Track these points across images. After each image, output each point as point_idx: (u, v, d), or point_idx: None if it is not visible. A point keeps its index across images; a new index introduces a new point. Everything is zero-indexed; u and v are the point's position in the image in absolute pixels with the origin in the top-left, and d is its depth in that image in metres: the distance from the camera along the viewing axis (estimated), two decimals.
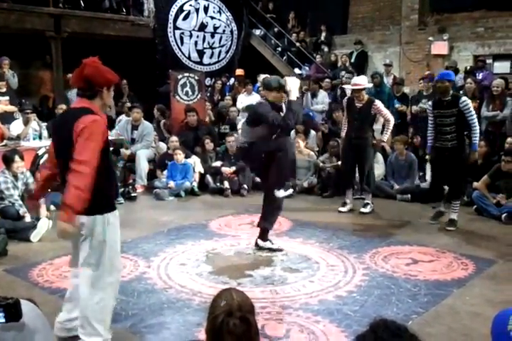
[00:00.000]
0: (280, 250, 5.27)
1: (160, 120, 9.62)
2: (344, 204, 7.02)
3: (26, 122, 8.06)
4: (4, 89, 8.59)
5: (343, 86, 9.24)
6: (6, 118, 8.23)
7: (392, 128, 6.80)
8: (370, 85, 7.17)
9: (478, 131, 5.84)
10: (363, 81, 6.74)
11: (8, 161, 5.98)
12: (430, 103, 6.13)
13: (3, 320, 1.57)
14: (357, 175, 7.11)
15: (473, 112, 5.86)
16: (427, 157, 6.77)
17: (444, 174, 6.08)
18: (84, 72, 2.98)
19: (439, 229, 6.03)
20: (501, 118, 7.96)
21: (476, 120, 5.84)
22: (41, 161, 7.37)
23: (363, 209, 6.84)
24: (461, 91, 8.59)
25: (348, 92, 9.25)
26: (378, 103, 6.68)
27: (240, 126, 9.40)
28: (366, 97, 6.70)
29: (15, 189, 5.97)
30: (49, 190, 3.71)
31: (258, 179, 8.10)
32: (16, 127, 8.04)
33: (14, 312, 1.59)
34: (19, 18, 10.02)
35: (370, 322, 1.77)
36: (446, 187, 6.41)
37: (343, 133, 6.95)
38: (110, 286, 3.10)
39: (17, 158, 6.00)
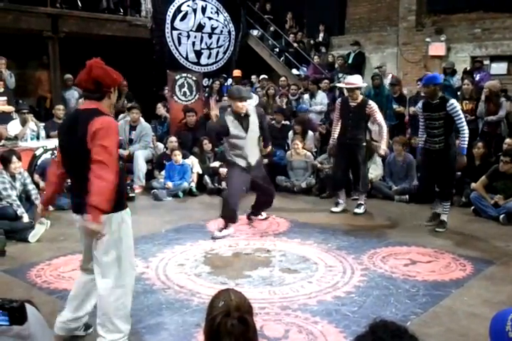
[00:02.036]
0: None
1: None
2: (337, 204, 7.04)
3: (23, 122, 8.05)
4: (2, 90, 8.58)
5: (337, 84, 9.26)
6: (4, 118, 8.22)
7: (389, 129, 6.82)
8: (365, 85, 7.16)
9: (467, 134, 5.75)
10: (357, 80, 6.72)
11: (5, 162, 5.97)
12: (420, 105, 6.14)
13: (7, 323, 1.57)
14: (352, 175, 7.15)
15: (462, 115, 5.81)
16: (393, 154, 6.85)
17: (433, 175, 6.09)
18: (92, 73, 3.01)
19: (434, 231, 6.02)
20: (497, 119, 7.99)
21: (464, 123, 5.76)
22: (39, 161, 7.37)
23: (356, 210, 6.83)
24: (458, 93, 8.64)
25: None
26: (373, 104, 6.66)
27: None
28: (361, 97, 6.69)
29: (12, 189, 5.96)
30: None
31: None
32: (13, 127, 8.03)
33: (19, 316, 1.58)
34: (16, 18, 10.01)
35: (368, 322, 1.77)
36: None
37: (334, 134, 6.94)
38: (129, 283, 3.20)
39: (14, 158, 5.98)
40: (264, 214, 6.61)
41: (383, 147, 6.82)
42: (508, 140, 7.26)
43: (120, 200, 3.10)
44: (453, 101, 5.82)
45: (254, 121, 5.81)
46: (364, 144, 6.75)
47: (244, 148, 5.78)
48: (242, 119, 5.75)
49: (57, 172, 3.28)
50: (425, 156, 6.14)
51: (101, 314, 3.11)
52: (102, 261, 3.08)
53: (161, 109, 9.87)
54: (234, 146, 5.81)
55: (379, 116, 6.66)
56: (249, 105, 6.02)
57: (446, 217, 6.11)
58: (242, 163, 5.83)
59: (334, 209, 6.98)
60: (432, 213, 6.32)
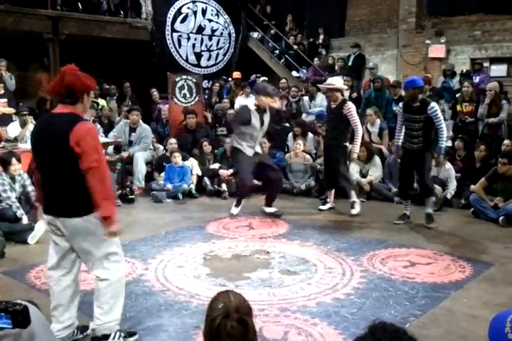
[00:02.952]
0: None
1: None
2: (325, 202, 7.19)
3: (23, 124, 8.05)
4: (2, 91, 8.59)
5: (319, 85, 9.27)
6: (4, 120, 8.22)
7: (389, 131, 6.85)
8: (345, 87, 7.22)
9: (445, 135, 6.06)
10: (336, 81, 6.82)
11: (5, 164, 5.97)
12: (401, 105, 6.26)
13: (10, 326, 1.57)
14: (354, 177, 7.19)
15: (441, 117, 6.03)
16: (393, 156, 6.88)
17: (411, 174, 6.33)
18: (64, 80, 3.10)
19: (436, 232, 6.03)
20: (498, 121, 7.99)
21: (444, 124, 6.01)
22: None
23: (352, 211, 6.82)
24: (457, 95, 8.64)
25: (347, 95, 9.29)
26: (350, 105, 6.70)
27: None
28: (340, 98, 6.75)
29: (12, 191, 5.96)
30: None
31: (255, 181, 8.12)
32: (13, 129, 8.03)
33: (22, 320, 1.58)
34: (17, 20, 10.03)
35: (367, 324, 1.77)
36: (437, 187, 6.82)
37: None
38: (121, 266, 3.36)
39: (14, 160, 5.98)
40: (273, 209, 6.86)
41: (355, 151, 6.80)
42: (506, 141, 7.28)
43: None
44: (434, 104, 6.00)
45: (267, 117, 6.51)
46: (345, 144, 6.81)
47: (256, 138, 6.46)
48: (262, 113, 6.43)
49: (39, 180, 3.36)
50: (404, 155, 6.34)
51: (97, 296, 3.29)
52: (102, 250, 3.22)
53: (154, 93, 9.93)
54: (247, 136, 6.40)
55: (355, 118, 6.65)
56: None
57: (431, 210, 6.30)
58: (250, 152, 6.43)
59: (321, 207, 7.16)
60: (402, 213, 6.50)
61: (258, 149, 6.59)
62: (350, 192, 6.91)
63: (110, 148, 8.15)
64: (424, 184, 6.28)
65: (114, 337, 3.29)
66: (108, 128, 9.07)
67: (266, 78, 11.70)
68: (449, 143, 7.49)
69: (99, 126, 8.52)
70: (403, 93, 9.85)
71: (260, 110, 6.42)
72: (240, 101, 10.33)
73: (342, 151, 6.81)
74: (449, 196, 7.15)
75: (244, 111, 6.53)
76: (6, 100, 8.54)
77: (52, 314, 3.33)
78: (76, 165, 3.05)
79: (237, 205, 6.77)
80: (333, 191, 7.18)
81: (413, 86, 5.99)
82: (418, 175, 6.30)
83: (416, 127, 6.03)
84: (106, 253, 3.24)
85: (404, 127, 6.25)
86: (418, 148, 6.09)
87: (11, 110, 8.54)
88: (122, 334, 3.33)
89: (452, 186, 7.17)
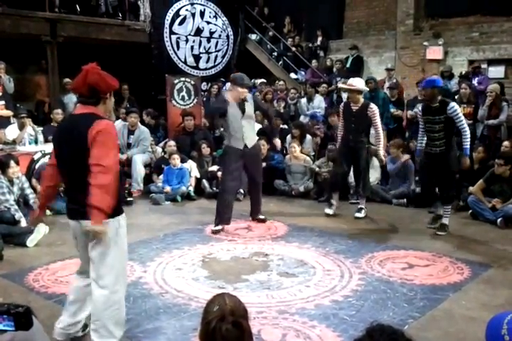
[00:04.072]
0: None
1: (151, 124, 9.60)
2: (330, 205, 7.02)
3: (21, 127, 8.06)
4: (0, 94, 8.60)
5: (339, 85, 9.28)
6: (2, 123, 8.22)
7: (386, 133, 6.83)
8: (366, 89, 7.16)
9: (468, 136, 5.80)
10: (358, 83, 6.73)
11: (3, 166, 5.97)
12: (420, 108, 6.16)
13: (13, 329, 1.57)
14: (352, 179, 7.15)
15: (463, 117, 5.84)
16: (416, 159, 6.79)
17: (434, 178, 6.12)
18: (87, 79, 3.01)
19: (435, 234, 6.03)
20: (498, 123, 8.00)
21: (466, 125, 5.81)
22: (37, 166, 7.37)
23: (357, 214, 6.84)
24: (456, 97, 8.65)
25: (345, 97, 9.30)
26: (375, 107, 6.64)
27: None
28: (362, 100, 6.69)
29: (10, 194, 5.96)
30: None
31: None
32: (11, 132, 8.04)
33: (24, 322, 1.58)
34: (15, 23, 10.02)
35: (366, 326, 1.77)
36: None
37: (338, 138, 6.96)
38: (123, 288, 3.21)
39: (12, 163, 5.99)
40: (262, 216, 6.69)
41: (381, 152, 6.76)
42: (506, 142, 7.28)
43: (117, 205, 3.09)
44: (453, 104, 5.86)
45: (250, 106, 6.25)
46: (367, 146, 6.74)
47: (241, 128, 6.13)
48: (240, 103, 6.18)
49: (52, 175, 3.26)
50: (426, 159, 6.15)
51: (95, 319, 3.11)
52: (98, 266, 3.08)
53: (144, 117, 9.74)
54: (232, 129, 6.14)
55: (378, 121, 6.64)
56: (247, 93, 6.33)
57: (448, 221, 6.12)
58: (239, 145, 6.14)
59: (327, 210, 6.95)
60: (434, 215, 6.34)
61: (249, 141, 6.19)
62: (362, 200, 6.93)
63: None
64: (447, 190, 6.08)
65: None
66: None
67: (264, 80, 11.72)
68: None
69: None
70: (415, 94, 9.98)
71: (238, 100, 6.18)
72: None
73: (366, 155, 6.73)
74: None
75: (218, 102, 6.42)
76: (3, 102, 8.54)
77: (68, 308, 3.30)
78: None
79: (218, 223, 6.24)
80: (338, 193, 7.11)
81: (433, 85, 5.85)
82: (441, 180, 6.05)
83: (436, 128, 5.85)
84: (101, 267, 3.08)
85: (425, 131, 6.07)
86: (441, 151, 5.88)
87: (9, 113, 8.54)
88: None
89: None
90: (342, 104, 7.13)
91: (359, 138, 6.64)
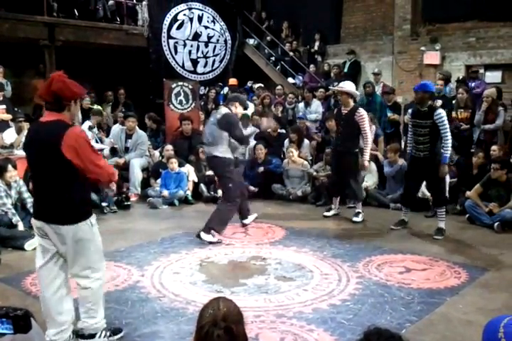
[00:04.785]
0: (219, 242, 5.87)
1: (153, 128, 9.61)
2: (329, 209, 7.13)
3: (19, 131, 8.05)
4: (1, 98, 8.61)
5: (330, 87, 9.33)
6: (1, 126, 8.21)
7: (383, 137, 6.85)
8: (357, 93, 7.17)
9: (449, 144, 5.86)
10: (348, 86, 6.78)
11: (0, 170, 5.97)
12: (410, 111, 6.28)
13: (12, 332, 1.57)
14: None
15: (447, 126, 5.91)
16: (386, 161, 6.84)
17: (417, 183, 6.30)
18: (51, 86, 3.12)
19: (432, 238, 6.04)
20: (494, 128, 8.02)
21: (449, 133, 5.86)
22: None
23: (354, 218, 6.86)
24: (453, 101, 8.68)
25: None
26: (363, 111, 6.66)
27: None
28: (352, 104, 6.72)
29: (8, 198, 5.96)
30: None
31: (252, 187, 8.15)
32: (9, 135, 8.03)
33: (23, 325, 1.58)
34: (13, 27, 10.02)
35: (364, 330, 1.78)
36: (419, 195, 6.89)
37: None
38: (103, 273, 3.47)
39: (10, 167, 5.99)
40: (248, 220, 6.65)
41: (366, 159, 6.68)
42: (494, 147, 7.33)
43: (88, 208, 3.35)
44: (441, 110, 5.97)
45: None
46: (356, 151, 6.74)
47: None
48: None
49: None
50: (411, 163, 6.30)
51: (84, 303, 3.37)
52: (80, 261, 3.28)
53: (147, 121, 9.73)
54: (231, 144, 6.05)
55: (366, 125, 6.61)
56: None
57: (444, 224, 6.15)
58: (232, 155, 6.14)
59: (326, 213, 7.10)
60: (400, 219, 6.49)
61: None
62: (358, 204, 6.96)
63: (106, 150, 8.16)
64: (437, 194, 6.20)
65: (100, 336, 3.45)
66: (106, 135, 9.04)
67: (261, 85, 11.74)
68: None
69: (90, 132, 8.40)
70: (398, 99, 10.03)
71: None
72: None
73: (354, 159, 6.72)
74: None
75: (239, 122, 6.22)
76: (4, 106, 8.56)
77: (47, 319, 3.34)
78: (69, 172, 3.11)
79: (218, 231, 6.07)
80: (338, 198, 7.17)
81: (424, 89, 5.96)
82: (430, 184, 6.24)
83: (422, 132, 5.95)
84: (90, 263, 3.32)
85: (412, 135, 6.16)
86: (425, 156, 5.99)
87: (8, 116, 8.54)
88: (108, 333, 3.47)
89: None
90: (336, 109, 7.22)
91: (347, 142, 6.68)
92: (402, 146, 8.40)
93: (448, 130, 5.88)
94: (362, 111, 6.66)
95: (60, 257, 3.32)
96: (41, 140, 3.12)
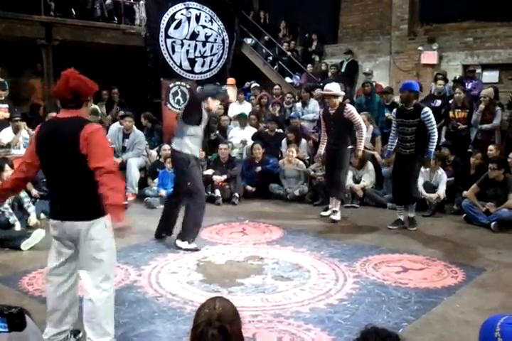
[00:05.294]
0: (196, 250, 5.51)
1: (148, 127, 9.60)
2: (326, 209, 7.13)
3: (16, 130, 8.03)
4: (3, 97, 8.61)
5: (317, 91, 9.33)
6: (0, 125, 8.20)
7: (381, 136, 6.87)
8: (342, 93, 7.19)
9: (435, 141, 6.10)
10: (334, 88, 6.83)
11: None
12: (395, 111, 6.40)
13: (6, 330, 1.57)
14: (348, 182, 7.17)
15: (434, 123, 6.11)
16: (383, 161, 6.84)
17: (403, 179, 6.36)
18: (69, 83, 3.09)
19: (429, 238, 6.05)
20: (491, 127, 8.03)
21: (435, 131, 6.07)
22: None
23: (332, 216, 6.84)
24: (450, 101, 8.69)
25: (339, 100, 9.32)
26: (350, 107, 6.76)
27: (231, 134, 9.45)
28: (338, 103, 6.76)
29: None
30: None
31: (249, 187, 8.16)
32: (6, 135, 8.01)
33: (18, 323, 1.58)
34: (10, 26, 10.02)
35: (361, 330, 1.78)
36: (427, 195, 6.99)
37: (322, 143, 7.03)
38: (113, 285, 3.27)
39: (7, 166, 5.98)
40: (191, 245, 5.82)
41: (360, 148, 6.73)
42: (490, 146, 7.34)
43: (102, 207, 3.16)
44: (427, 109, 6.13)
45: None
46: (349, 148, 6.76)
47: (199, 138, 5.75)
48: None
49: (25, 171, 3.28)
50: (397, 161, 6.41)
51: (90, 318, 3.15)
52: (90, 264, 3.15)
53: (142, 120, 9.69)
54: (196, 136, 5.63)
55: (357, 118, 6.68)
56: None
57: (414, 214, 6.46)
58: (197, 153, 5.74)
59: (323, 213, 7.10)
60: (396, 219, 6.53)
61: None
62: (337, 202, 6.90)
63: None
64: (408, 190, 6.34)
65: None
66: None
67: (257, 85, 11.74)
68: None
69: None
70: (396, 99, 10.04)
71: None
72: (234, 107, 10.37)
73: (345, 156, 6.75)
74: (441, 196, 7.14)
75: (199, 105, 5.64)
76: (7, 105, 8.56)
77: (50, 319, 3.29)
78: (85, 169, 3.03)
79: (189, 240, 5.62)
80: (334, 198, 7.15)
81: (409, 88, 6.11)
82: (407, 180, 6.34)
83: (409, 131, 6.13)
84: (100, 270, 3.17)
85: (397, 133, 6.31)
86: (410, 153, 6.18)
87: (5, 115, 8.51)
88: None
89: (441, 190, 7.13)
90: (321, 110, 7.27)
91: (339, 139, 6.73)
92: None
93: (435, 127, 6.10)
94: (348, 106, 6.79)
95: (74, 261, 3.25)
96: (59, 136, 3.06)
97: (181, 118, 5.71)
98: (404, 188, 6.37)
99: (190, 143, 5.56)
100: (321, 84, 11.15)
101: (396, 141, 6.37)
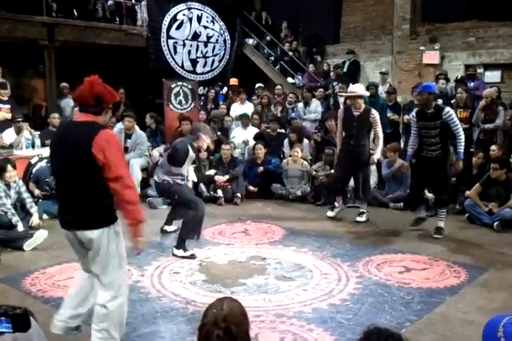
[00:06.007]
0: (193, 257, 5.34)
1: (152, 128, 9.61)
2: (332, 208, 7.08)
3: (18, 131, 8.05)
4: (6, 98, 8.62)
5: (341, 93, 9.30)
6: (3, 126, 8.21)
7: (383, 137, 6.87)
8: (367, 94, 7.17)
9: (463, 140, 5.91)
10: (359, 89, 6.80)
11: (0, 170, 5.96)
12: (414, 113, 6.20)
13: (11, 331, 1.57)
14: (351, 183, 7.15)
15: (458, 122, 5.96)
16: (405, 164, 6.79)
17: (425, 182, 6.23)
18: (94, 89, 3.08)
19: (431, 238, 6.05)
20: (494, 127, 8.02)
21: (461, 129, 5.92)
22: (34, 170, 7.36)
23: (358, 218, 6.85)
24: (452, 101, 8.68)
25: (341, 101, 9.32)
26: (376, 113, 6.73)
27: (232, 134, 9.45)
28: (363, 106, 6.73)
29: (7, 198, 5.95)
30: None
31: (251, 187, 8.16)
32: (8, 136, 8.02)
33: (22, 323, 1.58)
34: (12, 27, 10.03)
35: (363, 330, 1.78)
36: (429, 195, 6.85)
37: (338, 144, 6.97)
38: (126, 291, 3.28)
39: (9, 167, 5.99)
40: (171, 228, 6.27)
41: (377, 155, 6.83)
42: (493, 147, 7.33)
43: (112, 213, 3.18)
44: (448, 109, 5.96)
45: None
46: (368, 150, 6.78)
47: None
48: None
49: None
50: (420, 163, 6.23)
51: (98, 322, 3.14)
52: (102, 272, 3.15)
53: (148, 120, 9.71)
54: (179, 173, 5.59)
55: (379, 127, 6.72)
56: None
57: (443, 224, 6.16)
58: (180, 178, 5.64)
59: (329, 213, 7.04)
60: (416, 218, 6.41)
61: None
62: (363, 204, 6.97)
63: None
64: (442, 193, 6.17)
65: None
66: None
67: (261, 85, 11.73)
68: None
69: None
70: (399, 99, 10.03)
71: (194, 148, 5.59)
72: (236, 107, 10.37)
73: (367, 159, 6.77)
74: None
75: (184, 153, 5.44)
76: (9, 106, 8.58)
77: (68, 299, 3.34)
78: (97, 174, 2.99)
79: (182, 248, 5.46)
80: (341, 197, 7.15)
81: (429, 91, 5.94)
82: (436, 183, 6.17)
83: (432, 134, 5.93)
84: (109, 278, 3.16)
85: (418, 136, 6.12)
86: (437, 156, 5.98)
87: (7, 116, 8.53)
88: None
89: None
90: (341, 108, 7.16)
91: (360, 142, 6.68)
92: (402, 146, 8.41)
93: (460, 126, 5.94)
94: (375, 112, 6.72)
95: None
96: (73, 138, 3.04)
97: (165, 157, 5.63)
98: (435, 191, 6.32)
99: (172, 176, 5.49)
100: (323, 84, 11.23)
101: (416, 143, 6.16)
